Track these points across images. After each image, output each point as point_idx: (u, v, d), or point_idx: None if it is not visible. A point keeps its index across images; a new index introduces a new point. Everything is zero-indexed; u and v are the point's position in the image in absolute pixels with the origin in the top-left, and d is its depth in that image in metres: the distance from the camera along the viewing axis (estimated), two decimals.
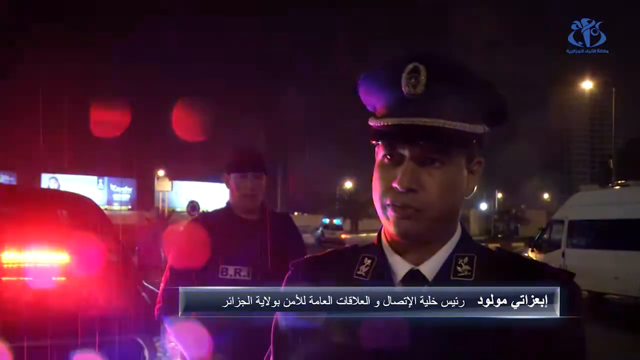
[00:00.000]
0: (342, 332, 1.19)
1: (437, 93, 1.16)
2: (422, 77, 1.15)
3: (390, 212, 1.19)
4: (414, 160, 1.16)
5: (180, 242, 3.10)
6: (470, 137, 1.19)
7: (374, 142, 1.23)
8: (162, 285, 3.05)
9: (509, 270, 1.21)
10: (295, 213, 63.31)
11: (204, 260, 2.90)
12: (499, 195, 67.70)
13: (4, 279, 4.32)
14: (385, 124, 1.18)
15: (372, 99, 1.26)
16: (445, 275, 1.20)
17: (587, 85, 31.73)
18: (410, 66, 1.16)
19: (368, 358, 1.17)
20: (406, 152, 1.17)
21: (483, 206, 63.42)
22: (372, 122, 1.23)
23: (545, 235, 17.48)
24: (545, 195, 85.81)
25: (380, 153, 1.22)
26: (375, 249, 1.28)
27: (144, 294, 4.98)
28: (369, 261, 1.26)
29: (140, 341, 4.47)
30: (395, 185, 1.16)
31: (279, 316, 1.31)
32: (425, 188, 1.16)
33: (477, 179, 1.27)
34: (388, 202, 1.18)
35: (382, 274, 1.23)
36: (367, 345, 1.16)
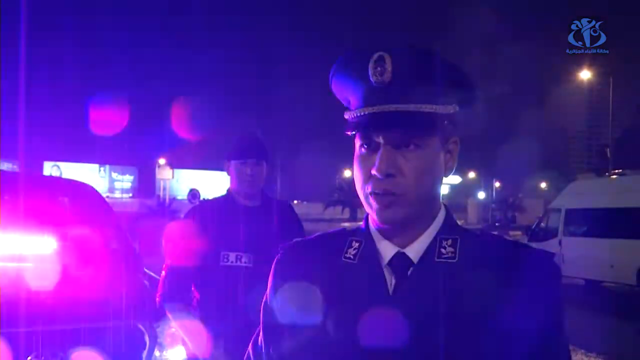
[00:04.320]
0: (336, 327, 1.21)
1: (404, 79, 1.18)
2: (388, 65, 1.18)
3: (373, 202, 1.21)
4: (389, 146, 1.19)
5: (181, 229, 3.12)
6: (441, 118, 1.22)
7: (349, 133, 1.25)
8: (163, 272, 3.07)
9: (492, 252, 1.25)
10: (295, 201, 63.29)
11: (204, 247, 2.91)
12: (497, 184, 67.59)
13: (6, 265, 4.35)
14: (358, 114, 1.22)
15: (344, 93, 1.29)
16: (429, 257, 1.22)
17: (584, 74, 31.67)
18: (375, 56, 1.19)
19: (361, 355, 1.18)
20: (381, 140, 1.19)
21: (481, 195, 63.30)
22: (347, 115, 1.27)
23: (542, 224, 17.52)
24: (543, 185, 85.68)
25: (357, 143, 1.25)
26: (362, 233, 1.30)
27: (145, 280, 5.01)
28: (357, 244, 1.29)
29: (142, 327, 4.51)
30: (374, 172, 1.19)
31: (270, 303, 1.35)
32: (403, 172, 1.19)
33: (454, 158, 1.29)
34: (369, 190, 1.21)
35: (369, 257, 1.26)
36: (362, 342, 1.18)
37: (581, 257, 14.24)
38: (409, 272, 1.22)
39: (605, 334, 8.81)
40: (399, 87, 1.19)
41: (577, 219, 15.83)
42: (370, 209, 1.24)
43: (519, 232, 28.69)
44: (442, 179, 1.27)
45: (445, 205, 1.31)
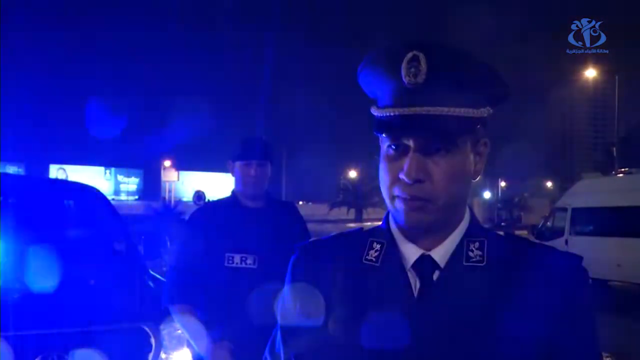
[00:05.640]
0: (359, 330, 1.17)
1: (438, 81, 1.12)
2: (423, 66, 1.12)
3: (399, 204, 1.16)
4: (419, 150, 1.14)
5: (185, 231, 3.12)
6: (475, 122, 1.17)
7: (377, 131, 1.19)
8: (168, 274, 3.07)
9: (520, 255, 1.21)
10: (300, 202, 63.27)
11: (209, 249, 2.91)
12: (503, 183, 67.51)
13: (12, 268, 4.36)
14: (388, 114, 1.15)
15: (373, 87, 1.24)
16: (457, 261, 1.18)
17: (590, 73, 31.55)
18: (409, 55, 1.13)
19: (375, 356, 1.15)
20: (411, 143, 1.14)
21: (487, 195, 63.25)
22: (375, 112, 1.20)
23: (548, 223, 17.45)
24: (549, 184, 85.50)
25: (385, 142, 1.19)
26: (384, 234, 1.26)
27: (150, 282, 5.01)
28: (378, 246, 1.24)
29: (147, 329, 4.51)
30: (402, 176, 1.14)
31: (287, 304, 1.31)
32: (432, 178, 1.14)
33: (483, 160, 1.24)
34: (396, 193, 1.16)
35: (392, 259, 1.21)
36: (387, 346, 1.14)
37: (588, 256, 13.91)
38: (434, 276, 1.18)
39: (613, 332, 8.77)
40: (432, 88, 1.12)
41: (583, 217, 15.76)
42: (395, 211, 1.19)
43: (524, 232, 28.61)
44: (470, 182, 1.22)
45: (470, 209, 1.26)
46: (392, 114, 1.15)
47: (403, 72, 1.13)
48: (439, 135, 1.14)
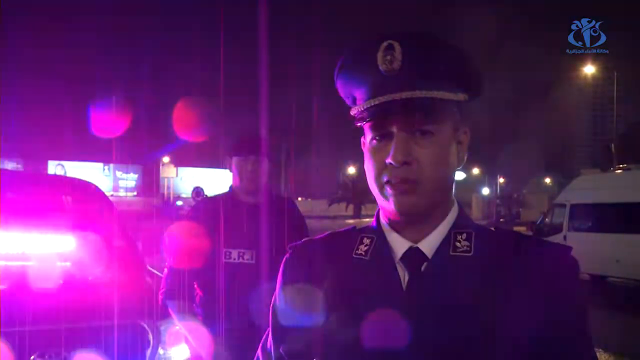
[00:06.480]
0: (348, 325, 1.19)
1: (413, 66, 1.17)
2: (397, 53, 1.17)
3: (388, 190, 1.19)
4: (403, 133, 1.18)
5: (183, 227, 3.11)
6: (452, 105, 1.22)
7: (359, 124, 1.24)
8: (166, 270, 3.06)
9: (508, 246, 1.21)
10: (299, 198, 63.34)
11: (207, 245, 2.91)
12: (501, 180, 67.57)
13: (9, 264, 4.35)
14: (369, 105, 1.19)
15: (350, 87, 1.26)
16: (444, 252, 1.20)
17: (589, 69, 31.55)
18: (384, 44, 1.18)
19: (375, 352, 1.16)
20: (394, 128, 1.18)
21: (485, 191, 63.31)
22: (353, 111, 1.25)
23: (547, 219, 17.47)
24: (547, 180, 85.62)
25: (368, 136, 1.23)
26: (373, 229, 1.28)
27: (148, 278, 4.99)
28: (368, 240, 1.27)
29: (145, 326, 4.48)
30: (389, 160, 1.17)
31: (279, 304, 1.33)
32: (418, 160, 1.17)
33: (465, 149, 1.28)
34: (385, 179, 1.19)
35: (381, 252, 1.23)
36: (376, 339, 1.16)
37: (586, 252, 14.16)
38: (422, 268, 1.20)
39: (612, 328, 8.79)
40: (408, 74, 1.17)
41: (581, 214, 15.77)
42: (385, 200, 1.21)
43: (523, 228, 28.69)
44: (455, 170, 1.25)
45: (458, 201, 1.28)
46: (372, 104, 1.19)
47: (379, 60, 1.18)
48: (419, 116, 1.17)
